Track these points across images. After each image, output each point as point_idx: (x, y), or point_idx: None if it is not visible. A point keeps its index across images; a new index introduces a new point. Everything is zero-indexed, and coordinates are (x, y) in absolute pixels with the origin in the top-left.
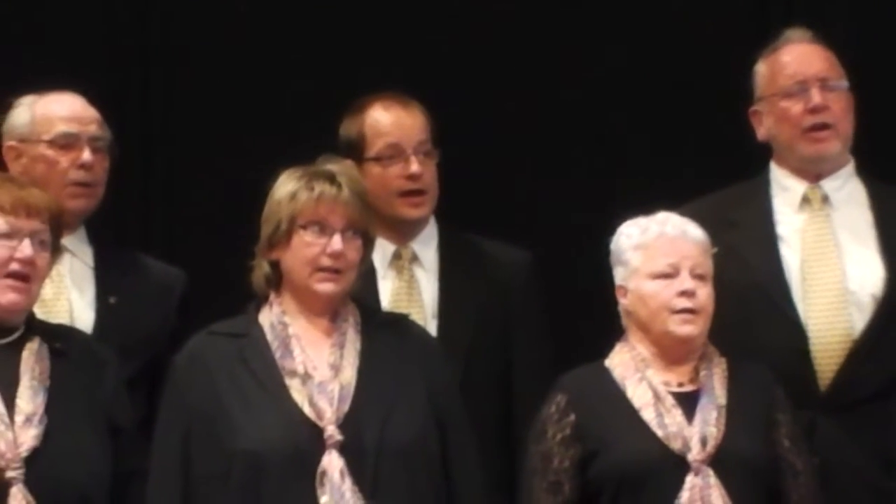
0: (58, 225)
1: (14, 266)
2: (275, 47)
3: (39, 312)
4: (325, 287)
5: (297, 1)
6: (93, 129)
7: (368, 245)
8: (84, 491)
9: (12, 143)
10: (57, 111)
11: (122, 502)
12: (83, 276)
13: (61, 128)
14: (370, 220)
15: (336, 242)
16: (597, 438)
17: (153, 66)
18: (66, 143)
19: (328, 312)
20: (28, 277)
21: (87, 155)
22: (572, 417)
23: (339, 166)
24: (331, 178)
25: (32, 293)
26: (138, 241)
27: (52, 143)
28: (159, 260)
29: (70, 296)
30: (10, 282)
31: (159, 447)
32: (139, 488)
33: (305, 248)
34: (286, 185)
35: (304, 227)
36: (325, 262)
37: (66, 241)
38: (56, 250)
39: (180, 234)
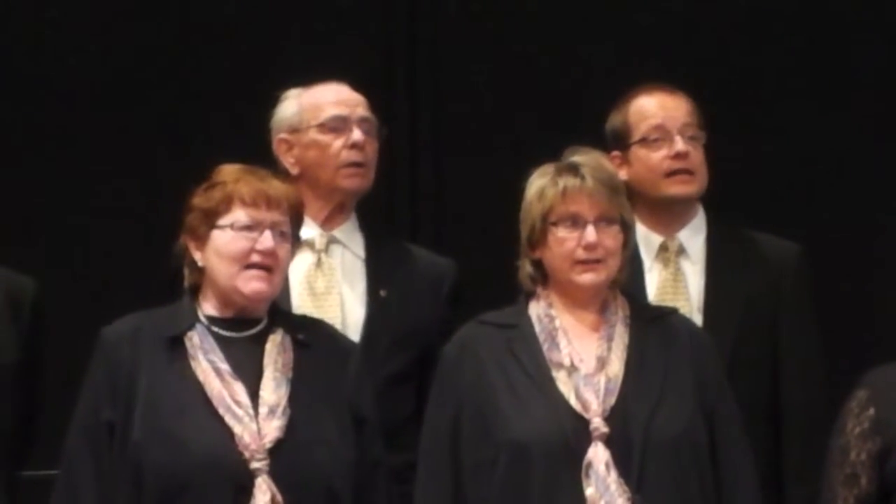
0: (297, 216)
1: (255, 258)
2: (542, 41)
3: (311, 306)
4: (587, 278)
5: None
6: (360, 111)
7: (627, 231)
8: (328, 482)
9: (283, 135)
10: (324, 97)
11: (366, 493)
12: (354, 269)
13: (330, 111)
14: (622, 205)
15: (590, 233)
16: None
17: (419, 58)
18: (336, 125)
19: (595, 304)
20: (270, 268)
21: (357, 135)
22: (871, 412)
23: (584, 156)
24: (574, 170)
25: (275, 284)
26: (406, 230)
27: (322, 126)
28: (428, 249)
29: (341, 289)
30: (253, 272)
31: (429, 435)
32: (383, 479)
33: (561, 245)
34: (536, 183)
35: (556, 224)
36: (582, 254)
37: (338, 231)
38: (296, 241)
39: (448, 222)
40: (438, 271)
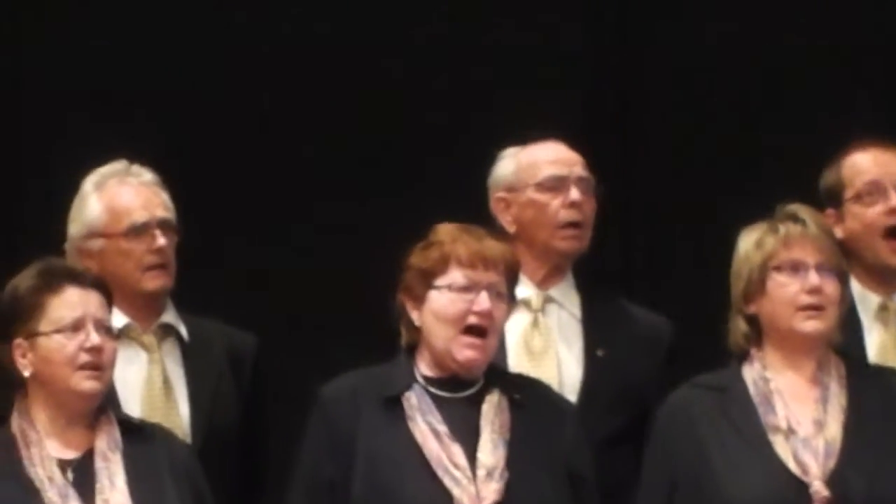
0: (513, 276)
1: (472, 319)
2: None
3: (528, 366)
4: (811, 325)
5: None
6: (578, 170)
7: (844, 284)
8: None
9: (500, 194)
10: (542, 156)
11: None
12: (570, 329)
13: (548, 171)
14: (841, 256)
15: (813, 278)
16: None
17: (627, 111)
18: (554, 185)
19: (812, 361)
20: (485, 331)
21: (575, 194)
22: None
23: (801, 207)
24: (794, 217)
25: (489, 348)
26: (620, 288)
27: (539, 186)
28: (643, 308)
29: (558, 349)
30: (468, 339)
31: (645, 500)
32: None
33: (782, 289)
34: (750, 237)
35: (778, 269)
36: (806, 299)
37: (554, 291)
38: (512, 300)
39: (660, 279)
40: (655, 331)
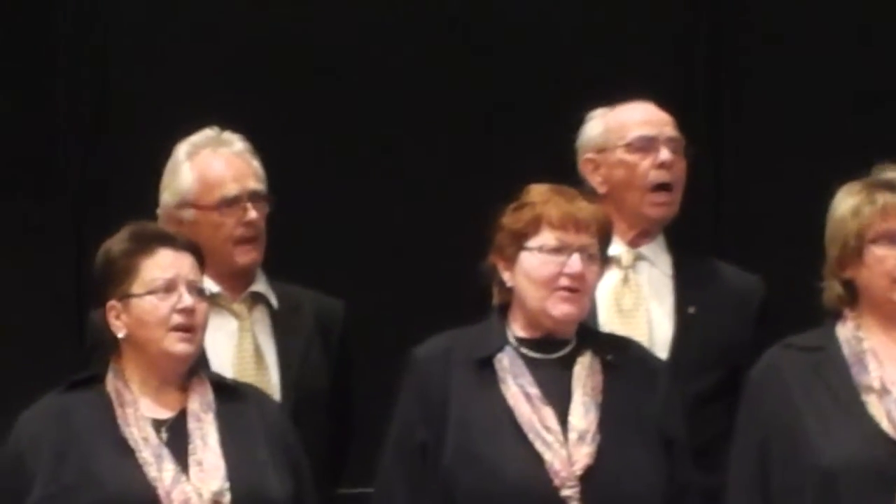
0: (606, 236)
1: (564, 281)
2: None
3: (618, 324)
4: None
5: None
6: (668, 130)
7: None
8: None
9: (589, 155)
10: (631, 117)
11: None
12: (661, 286)
13: (637, 131)
14: None
15: None
16: None
17: (722, 72)
18: (643, 145)
19: None
20: (578, 291)
21: (664, 154)
22: None
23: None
24: (891, 187)
25: (583, 306)
26: (711, 247)
27: (629, 146)
28: (734, 267)
29: (649, 306)
30: (564, 294)
31: (737, 460)
32: (694, 501)
33: (880, 262)
34: (846, 202)
35: (875, 242)
36: None
37: (645, 249)
38: (604, 262)
39: (752, 238)
40: (747, 289)
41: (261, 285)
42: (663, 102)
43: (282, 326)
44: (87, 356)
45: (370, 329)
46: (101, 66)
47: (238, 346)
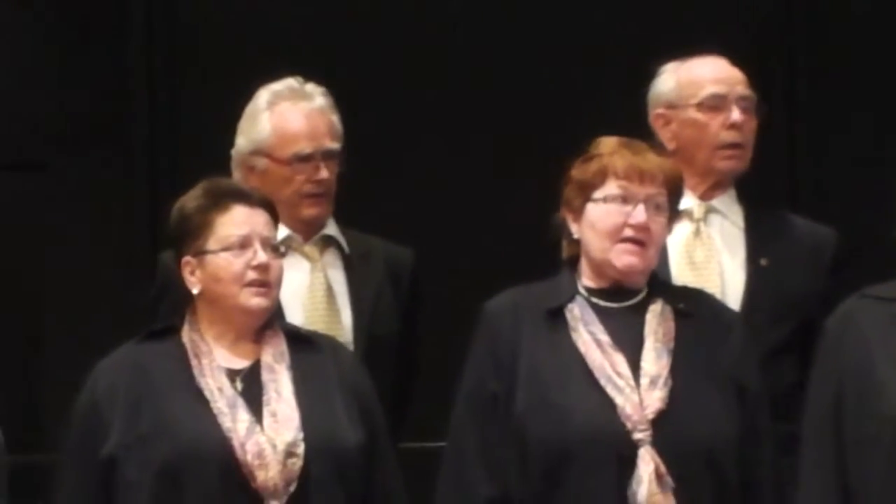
0: (676, 189)
1: (628, 232)
2: None
3: (691, 276)
4: None
5: None
6: (740, 89)
7: None
8: (710, 453)
9: (660, 110)
10: (703, 74)
11: (751, 462)
12: (734, 238)
13: (709, 89)
14: None
15: None
16: None
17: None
18: (715, 104)
19: None
20: (642, 243)
21: (736, 114)
22: None
23: None
24: None
25: (649, 257)
26: (785, 200)
27: (700, 105)
28: (807, 219)
29: (721, 258)
30: (626, 245)
31: (812, 411)
32: (769, 448)
33: None
34: None
35: None
36: None
37: (717, 202)
38: (675, 215)
39: (828, 190)
40: (819, 240)
41: (332, 229)
42: (737, 58)
43: (353, 270)
44: (156, 297)
45: (439, 280)
46: (172, 19)
47: (310, 286)
